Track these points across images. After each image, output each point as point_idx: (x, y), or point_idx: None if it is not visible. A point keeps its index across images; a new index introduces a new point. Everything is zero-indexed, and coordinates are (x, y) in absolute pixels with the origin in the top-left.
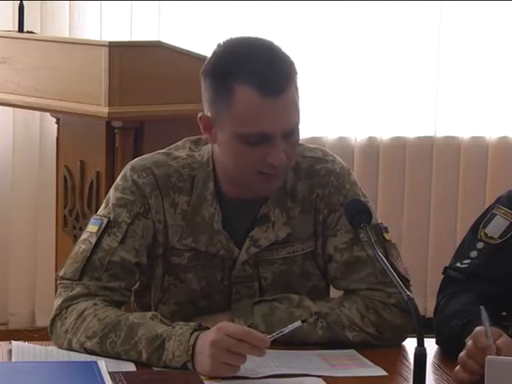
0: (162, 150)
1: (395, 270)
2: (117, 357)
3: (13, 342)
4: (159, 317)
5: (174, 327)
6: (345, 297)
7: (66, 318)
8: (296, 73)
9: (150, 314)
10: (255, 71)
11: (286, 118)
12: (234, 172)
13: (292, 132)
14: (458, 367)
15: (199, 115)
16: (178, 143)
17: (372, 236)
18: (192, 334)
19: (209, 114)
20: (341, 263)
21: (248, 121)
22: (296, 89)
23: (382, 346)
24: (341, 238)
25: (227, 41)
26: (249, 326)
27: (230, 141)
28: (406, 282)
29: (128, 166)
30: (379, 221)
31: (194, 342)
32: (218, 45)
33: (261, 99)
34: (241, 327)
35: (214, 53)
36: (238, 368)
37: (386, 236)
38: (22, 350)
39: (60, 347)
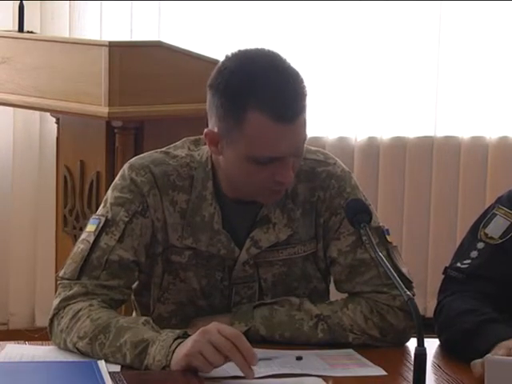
0: (160, 149)
1: (398, 271)
2: (105, 358)
3: (7, 345)
4: (151, 323)
5: (160, 333)
6: (349, 299)
7: (62, 318)
8: (307, 93)
9: (143, 319)
10: (270, 97)
11: (298, 139)
12: (239, 185)
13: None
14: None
15: (205, 131)
16: (177, 143)
17: (374, 238)
18: (175, 340)
19: (215, 130)
20: (345, 266)
21: (260, 145)
22: (306, 107)
23: (383, 347)
24: (344, 241)
25: (238, 56)
26: (249, 329)
27: (240, 160)
28: (408, 283)
29: (126, 165)
30: (381, 223)
31: (176, 348)
32: (228, 58)
33: (274, 125)
34: (235, 330)
35: (225, 68)
36: (210, 368)
37: (388, 238)
38: (11, 352)
39: (58, 347)
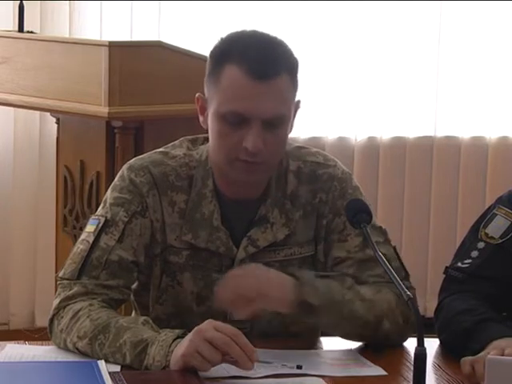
0: (158, 149)
1: (405, 269)
2: (104, 358)
3: (7, 345)
4: (150, 322)
5: (159, 333)
6: (375, 285)
7: (62, 318)
8: (294, 67)
9: (142, 318)
10: (248, 53)
11: (267, 104)
12: (217, 157)
13: (274, 122)
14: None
15: (196, 95)
16: (175, 142)
17: (380, 237)
18: (174, 340)
19: (204, 95)
20: (354, 261)
21: (228, 98)
22: (291, 82)
23: (381, 346)
24: (352, 242)
25: (236, 31)
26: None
27: (213, 120)
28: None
29: (125, 166)
30: (379, 224)
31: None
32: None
33: (244, 79)
34: (233, 327)
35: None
36: (209, 366)
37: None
38: (11, 352)
39: (58, 347)
